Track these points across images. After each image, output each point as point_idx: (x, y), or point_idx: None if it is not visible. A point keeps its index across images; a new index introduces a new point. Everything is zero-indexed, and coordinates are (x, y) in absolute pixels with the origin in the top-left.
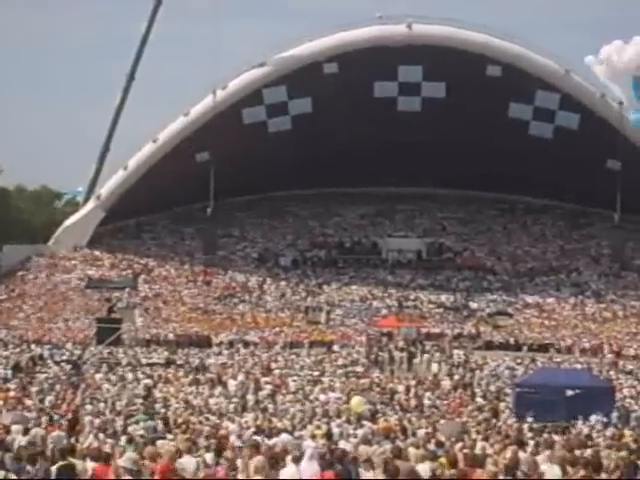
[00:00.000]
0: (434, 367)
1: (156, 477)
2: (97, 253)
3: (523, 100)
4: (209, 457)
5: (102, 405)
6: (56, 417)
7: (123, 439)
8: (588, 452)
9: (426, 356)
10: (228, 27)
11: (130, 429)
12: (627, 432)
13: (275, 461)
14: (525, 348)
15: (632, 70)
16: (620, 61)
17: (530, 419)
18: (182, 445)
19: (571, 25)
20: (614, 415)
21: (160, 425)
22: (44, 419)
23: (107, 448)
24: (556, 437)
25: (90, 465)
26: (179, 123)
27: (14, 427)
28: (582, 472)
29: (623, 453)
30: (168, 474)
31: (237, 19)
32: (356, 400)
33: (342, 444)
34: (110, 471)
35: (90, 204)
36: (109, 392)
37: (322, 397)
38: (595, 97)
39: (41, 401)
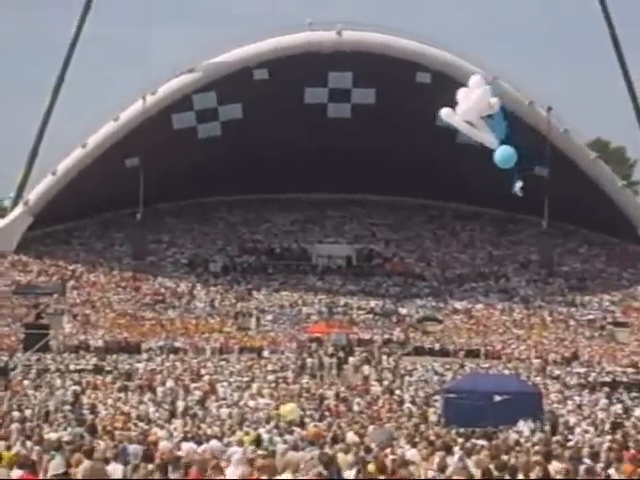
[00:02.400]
0: (365, 369)
1: None
2: (25, 259)
3: (452, 107)
4: None
5: (29, 412)
6: None
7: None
8: (514, 458)
9: (352, 359)
10: (158, 32)
11: (57, 435)
12: (554, 438)
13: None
14: (462, 354)
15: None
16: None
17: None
18: (109, 452)
19: (500, 33)
20: (542, 420)
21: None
22: None
23: (34, 455)
24: (483, 443)
25: (16, 473)
26: (108, 128)
27: None
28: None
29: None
30: None
31: (167, 24)
32: (289, 407)
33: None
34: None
35: (18, 209)
36: (36, 398)
37: (252, 403)
38: (523, 104)
39: None
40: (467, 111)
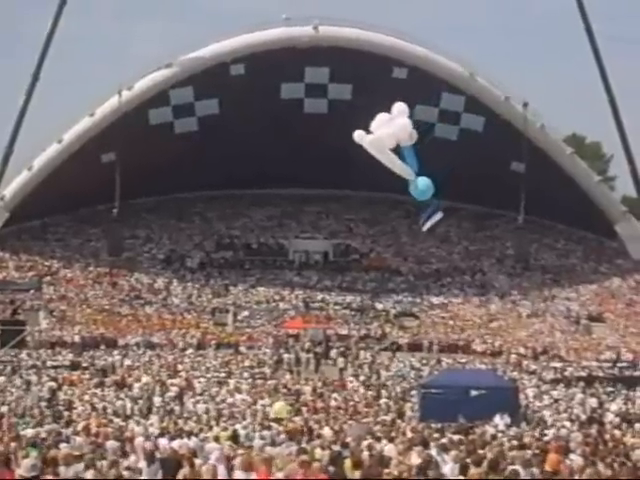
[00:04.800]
0: (340, 361)
1: None
2: (0, 255)
3: (429, 102)
4: None
5: (5, 408)
6: None
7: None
8: (491, 452)
9: (333, 352)
10: (134, 28)
11: (33, 432)
12: (529, 432)
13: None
14: (436, 348)
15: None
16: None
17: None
18: (85, 448)
19: (476, 29)
20: (518, 415)
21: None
22: None
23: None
24: (460, 437)
25: None
26: (84, 123)
27: None
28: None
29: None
30: None
31: (143, 20)
32: (278, 406)
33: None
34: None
35: None
36: (13, 395)
37: (229, 399)
38: (500, 100)
39: None
40: (387, 137)
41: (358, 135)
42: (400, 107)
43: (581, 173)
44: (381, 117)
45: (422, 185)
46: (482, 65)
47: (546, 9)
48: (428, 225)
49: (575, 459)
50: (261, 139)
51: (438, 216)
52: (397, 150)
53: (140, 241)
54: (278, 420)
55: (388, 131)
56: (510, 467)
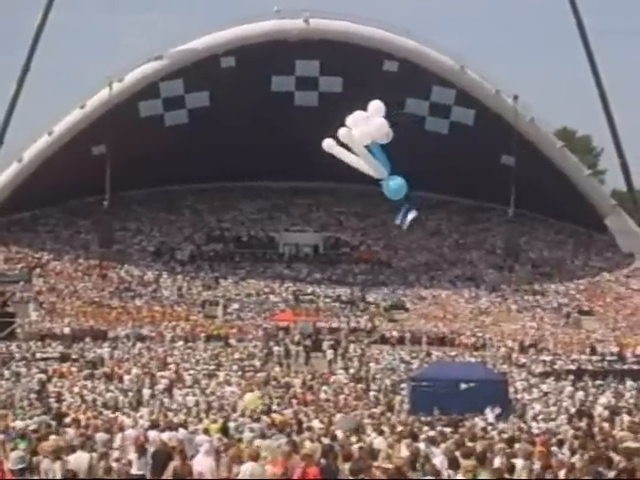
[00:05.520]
0: (329, 353)
1: None
2: None
3: (419, 95)
4: None
5: None
6: None
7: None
8: (480, 445)
9: (324, 344)
10: (125, 19)
11: (23, 424)
12: (518, 425)
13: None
14: (425, 341)
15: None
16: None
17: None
18: (75, 441)
19: (467, 22)
20: (508, 408)
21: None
22: None
23: None
24: (449, 430)
25: None
26: (75, 115)
27: None
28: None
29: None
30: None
31: (134, 12)
32: (250, 396)
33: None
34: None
35: None
36: (2, 387)
37: (218, 391)
38: (490, 93)
39: None
40: (363, 135)
41: (328, 144)
42: (376, 105)
43: (571, 167)
44: (358, 115)
45: (394, 184)
46: (473, 58)
47: (537, 2)
48: (406, 223)
49: (565, 453)
50: (251, 132)
51: (413, 214)
52: (367, 147)
53: (130, 233)
54: (252, 411)
55: (364, 130)
56: (510, 460)
